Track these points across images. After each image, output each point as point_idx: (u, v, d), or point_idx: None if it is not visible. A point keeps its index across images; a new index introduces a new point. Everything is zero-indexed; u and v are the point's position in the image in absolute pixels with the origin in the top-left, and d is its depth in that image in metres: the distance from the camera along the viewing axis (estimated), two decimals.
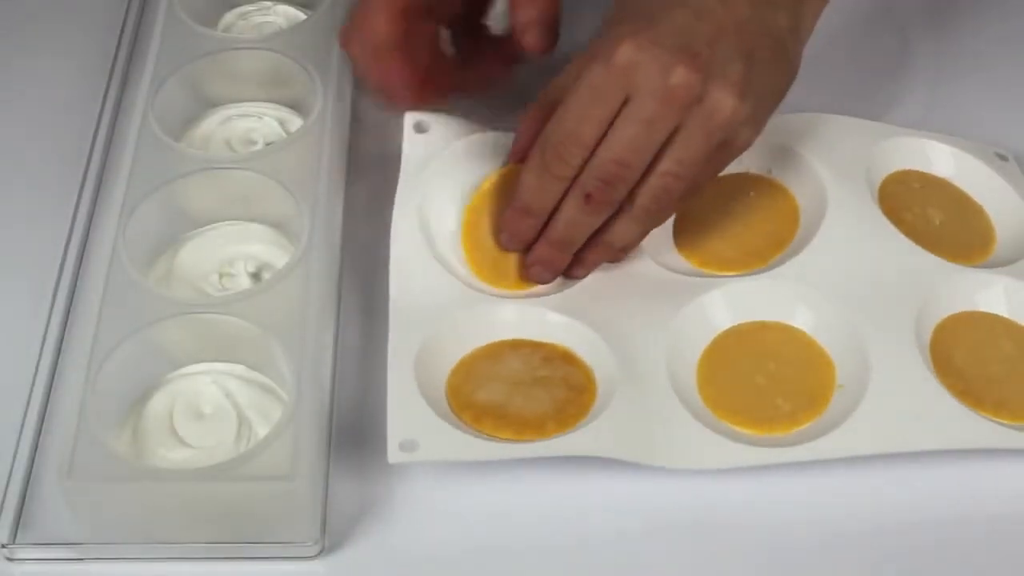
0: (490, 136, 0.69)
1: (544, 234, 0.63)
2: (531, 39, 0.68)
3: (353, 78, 0.77)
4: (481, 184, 0.66)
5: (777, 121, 0.69)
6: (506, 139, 0.67)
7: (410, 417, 0.59)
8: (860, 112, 0.75)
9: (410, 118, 0.69)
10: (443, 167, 0.68)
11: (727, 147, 0.60)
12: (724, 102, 0.58)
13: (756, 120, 0.60)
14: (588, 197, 0.60)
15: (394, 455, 0.57)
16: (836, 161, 0.70)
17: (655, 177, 0.60)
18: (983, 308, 0.66)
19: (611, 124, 0.58)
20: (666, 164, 0.59)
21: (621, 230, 0.62)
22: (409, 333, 0.62)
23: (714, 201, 0.70)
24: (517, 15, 0.68)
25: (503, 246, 0.65)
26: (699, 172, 0.60)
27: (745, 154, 0.65)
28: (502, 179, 0.66)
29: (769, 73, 0.60)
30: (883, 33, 0.85)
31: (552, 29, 0.68)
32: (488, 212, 0.66)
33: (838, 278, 0.65)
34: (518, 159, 0.64)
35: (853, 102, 0.78)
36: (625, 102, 0.58)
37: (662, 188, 0.60)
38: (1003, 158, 0.74)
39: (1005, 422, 0.61)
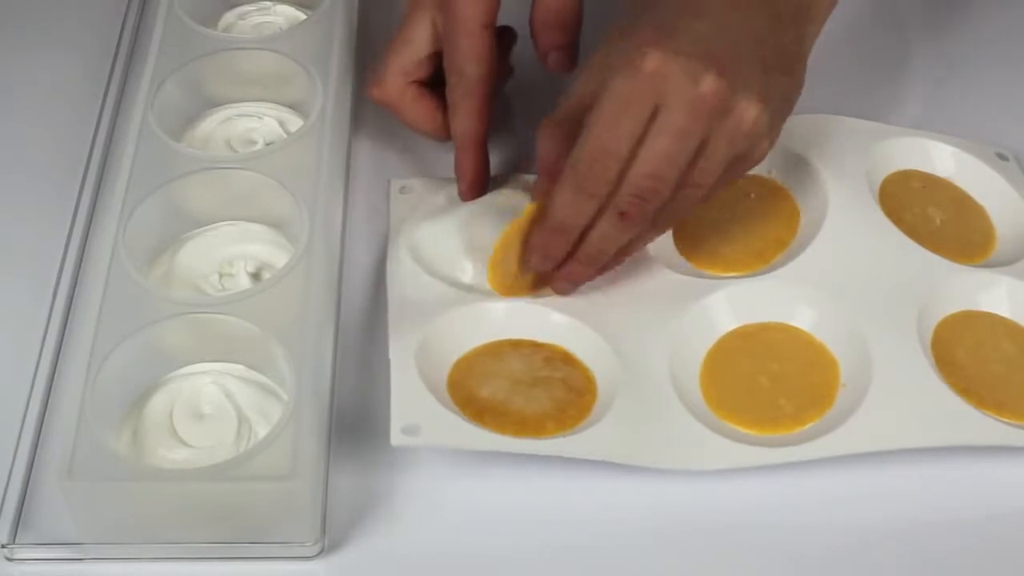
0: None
1: (577, 252, 0.62)
2: (554, 62, 0.70)
3: (353, 78, 0.77)
4: (514, 221, 0.64)
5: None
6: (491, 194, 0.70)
7: (413, 403, 0.59)
8: (860, 112, 0.75)
9: (395, 184, 0.71)
10: (433, 211, 0.69)
11: (746, 158, 0.60)
12: (749, 111, 0.58)
13: (773, 131, 0.60)
14: (623, 215, 0.59)
15: (397, 438, 0.57)
16: (836, 162, 0.70)
17: (680, 188, 0.59)
18: (984, 308, 0.66)
19: (642, 136, 0.58)
20: (692, 174, 0.58)
21: (641, 239, 0.62)
22: (410, 328, 0.62)
23: (714, 203, 0.70)
24: (542, 39, 0.69)
25: (533, 267, 0.63)
26: (717, 182, 0.60)
27: None
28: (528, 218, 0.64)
29: (782, 85, 0.60)
30: (883, 33, 0.85)
31: (575, 52, 0.69)
32: (516, 246, 0.64)
33: (840, 278, 0.65)
34: (547, 175, 0.62)
35: (853, 102, 0.78)
36: (655, 113, 0.57)
37: (684, 198, 0.60)
38: (1003, 158, 0.74)
39: (1007, 421, 0.61)
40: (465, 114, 0.68)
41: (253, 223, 0.66)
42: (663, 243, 0.68)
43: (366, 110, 0.76)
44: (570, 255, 0.62)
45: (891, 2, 0.87)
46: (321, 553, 0.57)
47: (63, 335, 0.65)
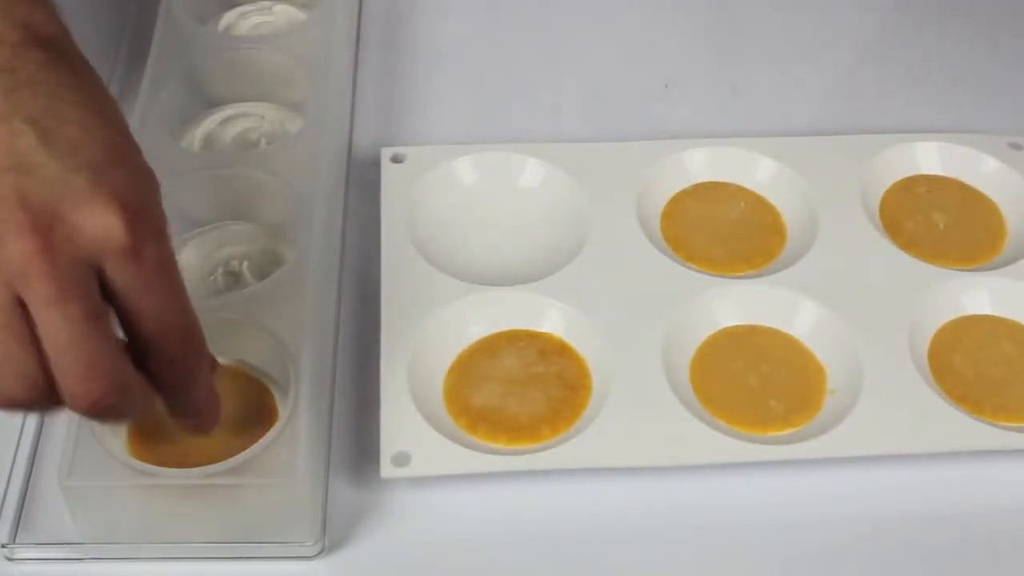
0: (471, 158, 0.71)
1: None
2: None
3: (353, 78, 0.77)
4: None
5: (776, 143, 0.72)
6: (491, 158, 0.70)
7: (403, 429, 0.59)
8: (863, 115, 0.75)
9: (387, 152, 0.71)
10: (427, 185, 0.69)
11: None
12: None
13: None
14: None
15: (387, 470, 0.58)
16: (827, 178, 0.71)
17: None
18: (982, 311, 0.67)
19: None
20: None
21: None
22: (404, 329, 0.62)
23: (708, 205, 0.71)
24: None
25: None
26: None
27: (735, 171, 0.68)
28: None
29: None
30: (882, 36, 0.85)
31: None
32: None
33: (830, 288, 0.66)
34: None
35: (856, 105, 0.78)
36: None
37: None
38: (1017, 147, 0.74)
39: (1005, 424, 0.62)
40: None
41: (253, 223, 0.66)
42: (654, 237, 0.69)
43: (366, 108, 0.76)
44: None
45: (889, 9, 0.87)
46: (321, 553, 0.57)
47: None
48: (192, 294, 0.62)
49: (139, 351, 0.47)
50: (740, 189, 0.72)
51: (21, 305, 0.44)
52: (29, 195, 0.44)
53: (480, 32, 0.84)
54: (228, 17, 0.77)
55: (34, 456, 0.60)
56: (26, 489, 0.59)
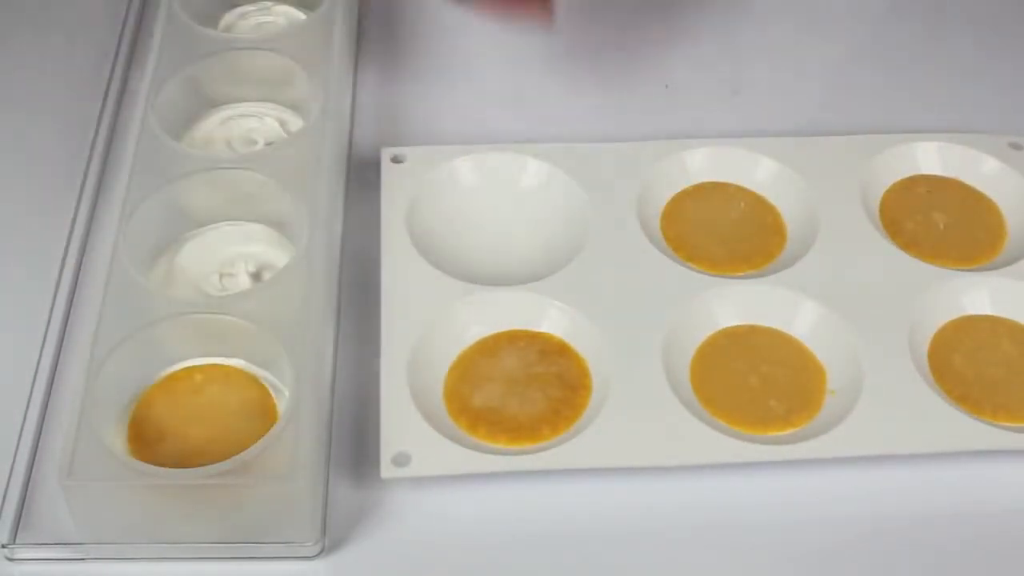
0: (471, 158, 0.71)
1: None
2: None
3: (353, 78, 0.77)
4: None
5: (776, 143, 0.72)
6: (492, 158, 0.70)
7: (403, 429, 0.59)
8: (863, 115, 0.75)
9: (387, 152, 0.71)
10: (427, 185, 0.69)
11: None
12: None
13: None
14: None
15: (387, 470, 0.58)
16: (827, 178, 0.71)
17: None
18: (982, 311, 0.67)
19: None
20: None
21: None
22: (404, 329, 0.62)
23: (708, 205, 0.71)
24: None
25: None
26: None
27: (735, 171, 0.68)
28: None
29: None
30: (882, 36, 0.85)
31: None
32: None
33: (830, 289, 0.66)
34: None
35: (855, 106, 0.78)
36: None
37: None
38: (1017, 147, 0.73)
39: (1005, 424, 0.62)
40: None
41: (253, 223, 0.66)
42: (654, 237, 0.69)
43: (366, 108, 0.76)
44: None
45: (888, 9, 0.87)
46: (321, 553, 0.57)
47: (63, 335, 0.65)
48: (192, 294, 0.63)
49: None
50: (740, 189, 0.72)
51: None
52: None
53: (480, 32, 0.84)
54: (228, 17, 0.77)
55: (34, 456, 0.60)
56: (26, 489, 0.59)
